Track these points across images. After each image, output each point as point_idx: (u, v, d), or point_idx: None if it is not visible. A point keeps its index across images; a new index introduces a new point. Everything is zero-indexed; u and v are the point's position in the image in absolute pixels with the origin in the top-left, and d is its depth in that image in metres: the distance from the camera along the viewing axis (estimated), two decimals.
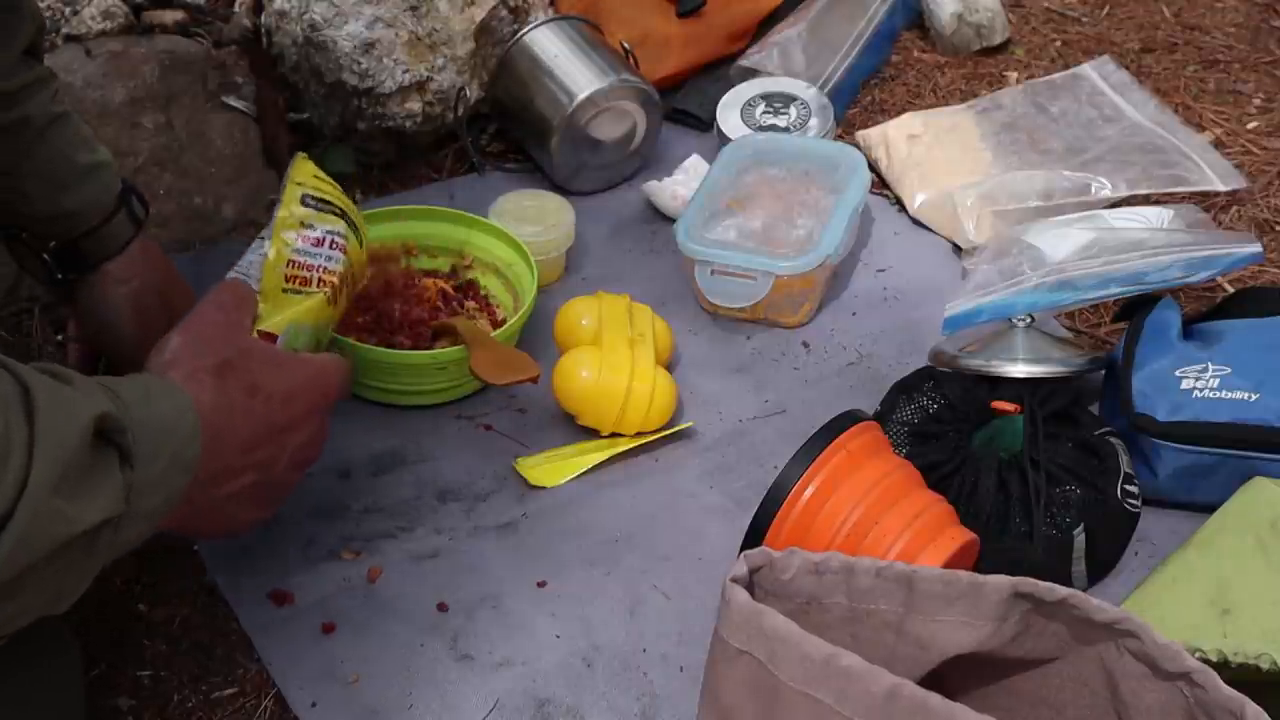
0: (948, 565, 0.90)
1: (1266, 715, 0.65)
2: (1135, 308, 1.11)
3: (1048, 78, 1.51)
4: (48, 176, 0.94)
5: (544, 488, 1.08)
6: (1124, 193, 1.30)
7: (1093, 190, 1.30)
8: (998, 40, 1.61)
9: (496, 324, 1.19)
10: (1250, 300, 1.11)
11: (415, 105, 1.37)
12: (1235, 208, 1.36)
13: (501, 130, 1.47)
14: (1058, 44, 1.64)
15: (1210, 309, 1.13)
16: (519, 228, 1.24)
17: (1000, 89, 1.52)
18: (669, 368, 1.16)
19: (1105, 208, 1.29)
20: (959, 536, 0.93)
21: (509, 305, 1.20)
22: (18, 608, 0.65)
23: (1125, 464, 1.01)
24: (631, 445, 1.10)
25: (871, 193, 1.35)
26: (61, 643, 0.87)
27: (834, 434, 0.95)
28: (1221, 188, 1.31)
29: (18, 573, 0.62)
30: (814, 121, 1.41)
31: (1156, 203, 1.32)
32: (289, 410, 0.85)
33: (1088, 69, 1.50)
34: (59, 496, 0.63)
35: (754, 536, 0.94)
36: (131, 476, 0.68)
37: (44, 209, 0.94)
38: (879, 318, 1.26)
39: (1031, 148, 1.39)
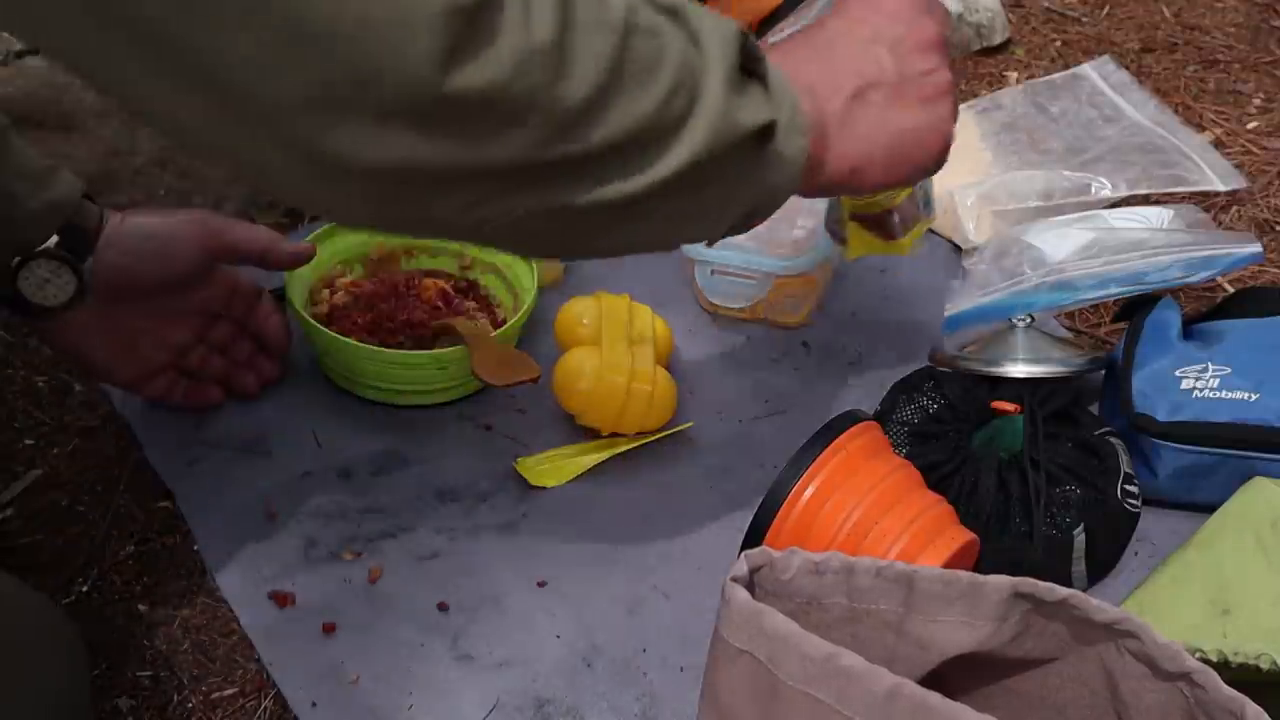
0: (948, 565, 0.90)
1: (1266, 715, 0.65)
2: (1135, 308, 1.11)
3: (1048, 78, 1.51)
4: (25, 174, 0.95)
5: (544, 488, 1.08)
6: (1124, 193, 1.30)
7: (1093, 190, 1.30)
8: (998, 40, 1.61)
9: (497, 324, 1.19)
10: (1250, 300, 1.11)
11: None
12: (1235, 208, 1.36)
13: None
14: (1058, 44, 1.64)
15: (1210, 309, 1.13)
16: None
17: (1000, 89, 1.52)
18: (669, 368, 1.16)
19: (1105, 208, 1.29)
20: (959, 537, 0.93)
21: (509, 305, 1.20)
22: (699, 206, 0.69)
23: (1125, 464, 1.01)
24: (631, 445, 1.10)
25: None
26: (70, 642, 0.87)
27: (834, 434, 0.95)
28: (1221, 188, 1.31)
29: (706, 153, 0.66)
30: None
31: (1157, 203, 1.32)
32: (857, 34, 0.83)
33: (1088, 69, 1.50)
34: (734, 92, 0.67)
35: (754, 536, 0.94)
36: (770, 97, 0.71)
37: (32, 204, 0.95)
38: (879, 318, 1.26)
39: (1031, 148, 1.38)
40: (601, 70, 0.61)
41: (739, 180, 0.73)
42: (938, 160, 0.86)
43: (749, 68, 0.70)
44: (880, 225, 1.12)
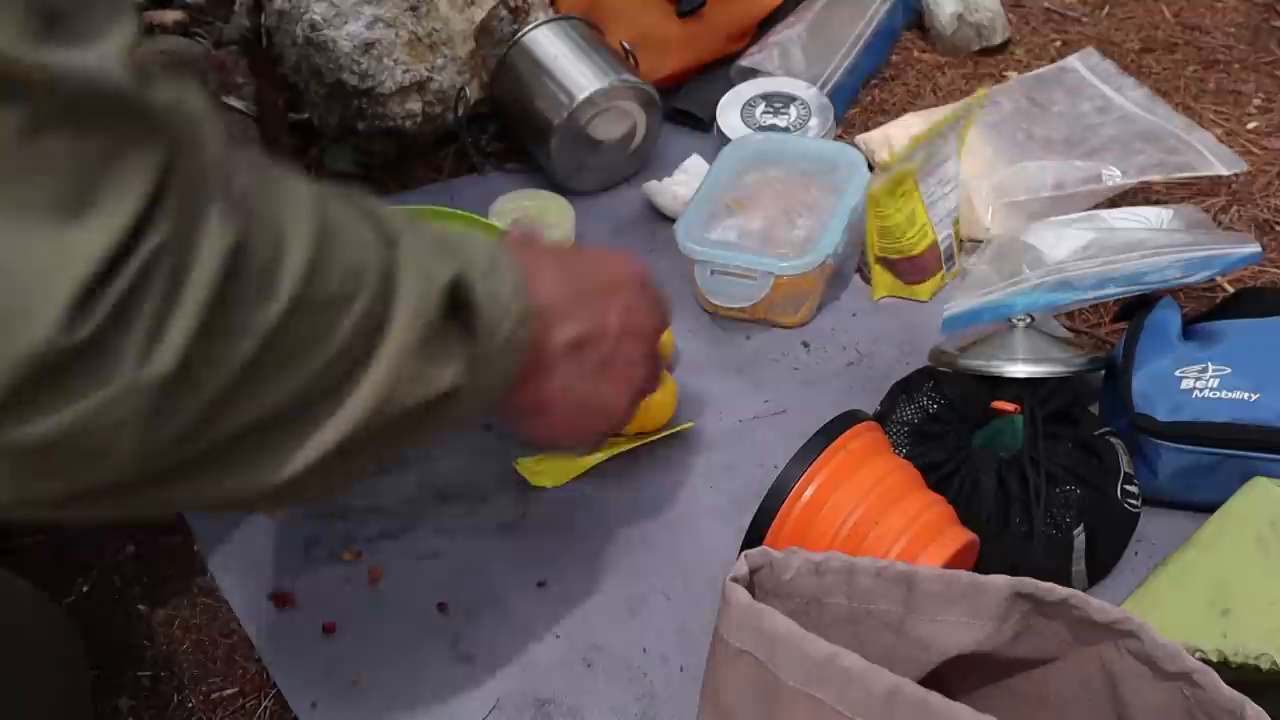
0: (948, 565, 0.90)
1: (1266, 715, 0.65)
2: (1135, 308, 1.11)
3: (1035, 72, 1.51)
4: None
5: (544, 488, 1.08)
6: (1135, 179, 1.30)
7: (1104, 178, 1.30)
8: (998, 40, 1.61)
9: None
10: (1250, 300, 1.11)
11: (415, 105, 1.37)
12: (1235, 208, 1.36)
13: (501, 130, 1.47)
14: (1058, 44, 1.64)
15: (1210, 309, 1.13)
16: None
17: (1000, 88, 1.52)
18: (669, 368, 1.16)
19: (1110, 202, 1.29)
20: (959, 537, 0.93)
21: None
22: (347, 469, 0.62)
23: (1125, 464, 1.01)
24: (631, 445, 1.10)
25: None
26: (70, 642, 0.87)
27: (834, 434, 0.95)
28: (1224, 171, 1.31)
29: (362, 431, 0.60)
30: (814, 121, 1.41)
31: (1157, 201, 1.32)
32: (601, 272, 0.80)
33: (1074, 61, 1.50)
34: (407, 361, 0.61)
35: (754, 536, 0.94)
36: (473, 348, 0.66)
37: None
38: (879, 318, 1.26)
39: (1032, 142, 1.39)
40: (227, 377, 0.53)
41: (417, 430, 0.66)
42: (589, 441, 0.86)
43: (462, 304, 0.65)
44: (904, 270, 1.21)
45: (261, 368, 0.54)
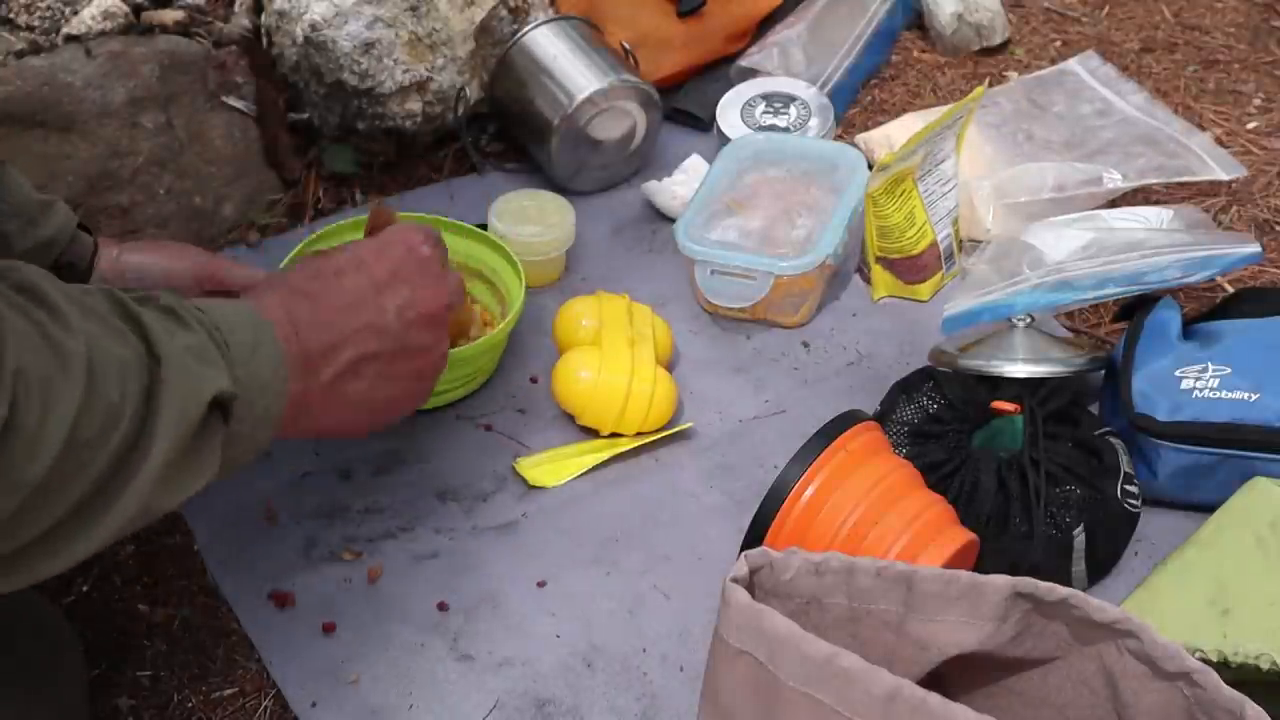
0: (948, 565, 0.90)
1: (1266, 715, 0.65)
2: (1135, 308, 1.11)
3: (1036, 74, 1.51)
4: (19, 212, 0.94)
5: (544, 488, 1.08)
6: (1135, 183, 1.30)
7: (1104, 181, 1.30)
8: (998, 40, 1.61)
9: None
10: (1250, 300, 1.11)
11: (415, 105, 1.37)
12: (1235, 208, 1.36)
13: (501, 130, 1.47)
14: (1058, 44, 1.64)
15: (1210, 309, 1.13)
16: (518, 228, 1.24)
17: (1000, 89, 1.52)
18: (669, 368, 1.16)
19: (1110, 203, 1.29)
20: (959, 537, 0.93)
21: (496, 312, 1.19)
22: (87, 544, 0.66)
23: (1125, 464, 1.01)
24: (631, 445, 1.10)
25: None
26: (67, 641, 0.87)
27: (834, 434, 0.95)
28: (1224, 176, 1.32)
29: (141, 515, 0.65)
30: (814, 121, 1.41)
31: (1156, 202, 1.32)
32: (369, 273, 0.83)
33: (1074, 64, 1.51)
34: (170, 470, 0.65)
35: (754, 536, 0.94)
36: (226, 433, 0.70)
37: (23, 244, 0.94)
38: (879, 318, 1.26)
39: (1032, 143, 1.39)
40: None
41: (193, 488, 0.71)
42: (403, 417, 0.89)
43: (223, 405, 0.69)
44: (904, 270, 1.21)
45: (30, 508, 0.60)
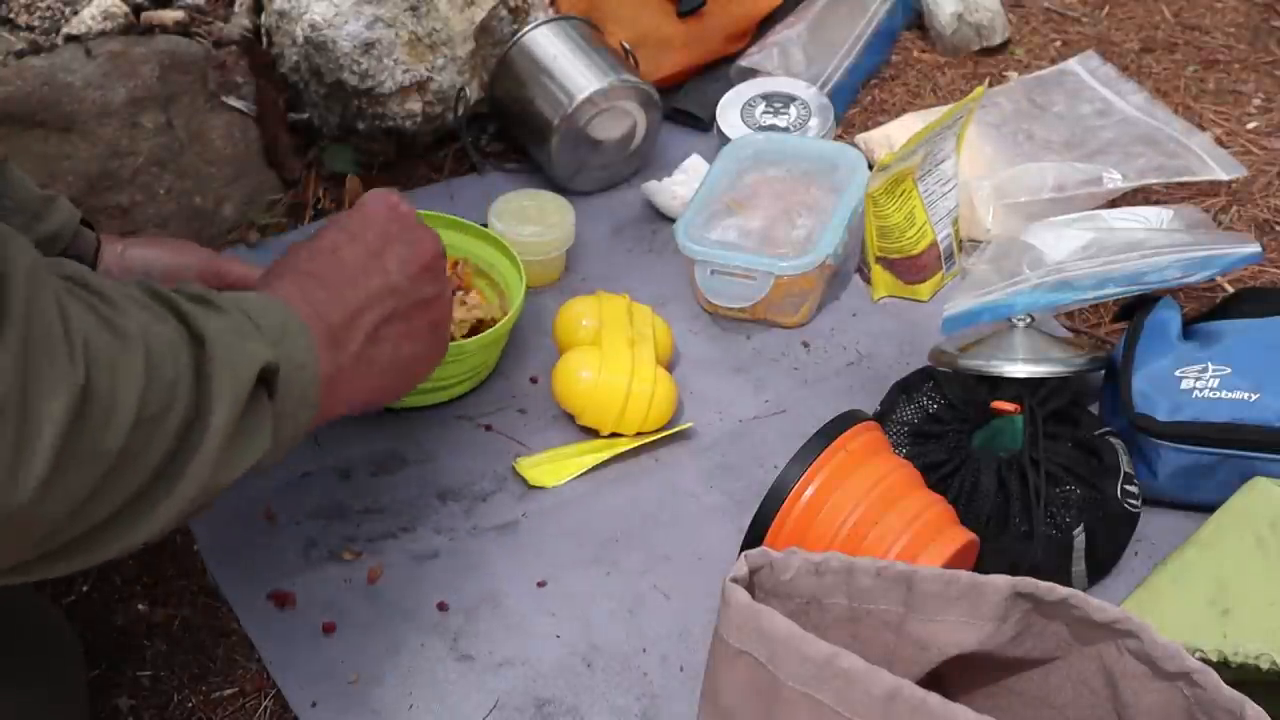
0: (948, 565, 0.90)
1: (1266, 715, 0.65)
2: (1135, 308, 1.11)
3: (1036, 74, 1.51)
4: (22, 208, 0.94)
5: (544, 488, 1.08)
6: (1135, 183, 1.30)
7: (1104, 181, 1.30)
8: (998, 40, 1.61)
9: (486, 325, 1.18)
10: (1250, 300, 1.11)
11: (415, 105, 1.37)
12: (1235, 208, 1.36)
13: (501, 130, 1.47)
14: (1058, 44, 1.64)
15: (1210, 309, 1.13)
16: (518, 228, 1.24)
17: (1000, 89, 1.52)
18: (669, 368, 1.16)
19: (1110, 203, 1.29)
20: (959, 537, 0.93)
21: (496, 307, 1.19)
22: (150, 527, 0.67)
23: (1125, 464, 1.01)
24: (631, 445, 1.10)
25: None
26: (67, 641, 0.87)
27: (834, 434, 0.95)
28: (1223, 176, 1.32)
29: (202, 494, 0.67)
30: (814, 121, 1.41)
31: (1156, 202, 1.32)
32: (363, 241, 0.85)
33: (1074, 65, 1.51)
34: (227, 446, 0.67)
35: (754, 536, 0.94)
36: (273, 409, 0.72)
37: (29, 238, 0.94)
38: (879, 318, 1.26)
39: (1032, 143, 1.39)
40: (80, 492, 0.60)
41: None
42: (428, 375, 0.92)
43: (267, 379, 0.71)
44: (904, 270, 1.21)
45: (106, 485, 0.61)
